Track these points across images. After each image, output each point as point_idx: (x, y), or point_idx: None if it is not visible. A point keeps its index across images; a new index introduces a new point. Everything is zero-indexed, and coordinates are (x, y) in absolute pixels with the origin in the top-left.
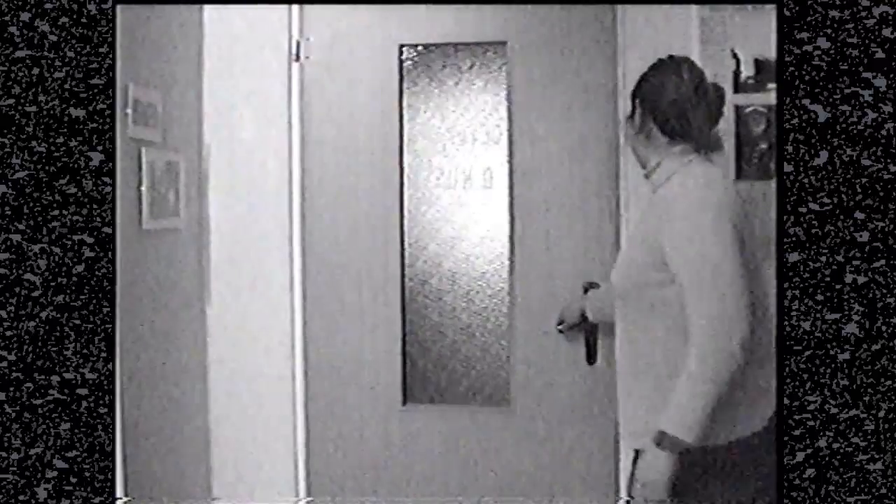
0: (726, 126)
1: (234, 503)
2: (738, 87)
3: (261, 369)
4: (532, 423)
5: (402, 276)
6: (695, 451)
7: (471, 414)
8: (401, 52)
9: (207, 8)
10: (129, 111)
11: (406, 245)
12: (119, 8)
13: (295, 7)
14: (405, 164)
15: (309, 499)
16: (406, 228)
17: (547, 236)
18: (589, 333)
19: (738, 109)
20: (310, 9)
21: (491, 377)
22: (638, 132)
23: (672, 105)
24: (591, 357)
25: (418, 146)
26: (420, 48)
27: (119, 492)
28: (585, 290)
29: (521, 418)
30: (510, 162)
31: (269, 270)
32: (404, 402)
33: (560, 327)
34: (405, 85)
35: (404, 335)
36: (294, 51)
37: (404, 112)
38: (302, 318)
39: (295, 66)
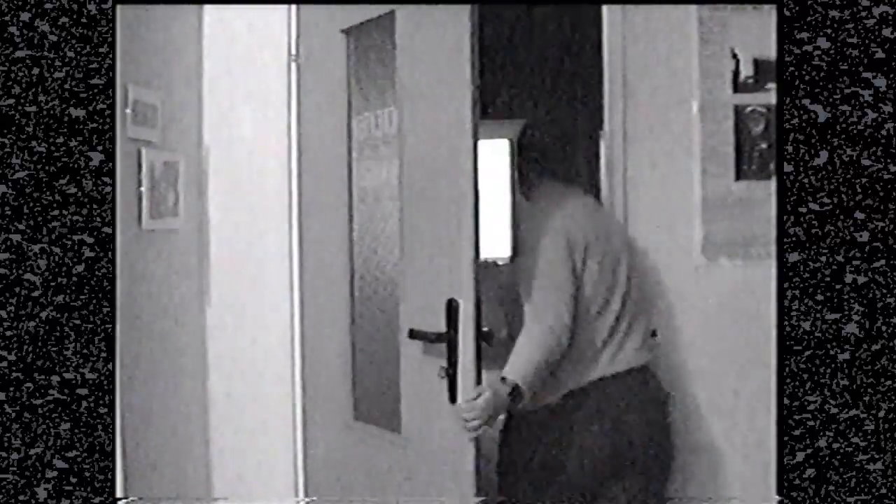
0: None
1: (234, 503)
2: (738, 86)
3: (260, 369)
4: (420, 450)
5: (352, 280)
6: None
7: (368, 436)
8: (347, 39)
9: (207, 9)
10: (129, 111)
11: (354, 245)
12: (119, 8)
13: (293, 7)
14: (352, 162)
15: (308, 499)
16: (355, 227)
17: (432, 234)
18: (449, 370)
19: (737, 109)
20: (305, 9)
21: (384, 398)
22: (524, 174)
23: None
24: (453, 396)
25: (359, 139)
26: (361, 28)
27: (119, 492)
28: (447, 309)
29: (411, 444)
30: (401, 151)
31: (269, 270)
32: (355, 417)
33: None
34: (360, 74)
35: (353, 343)
36: (293, 51)
37: (353, 104)
38: (300, 318)
39: (294, 66)
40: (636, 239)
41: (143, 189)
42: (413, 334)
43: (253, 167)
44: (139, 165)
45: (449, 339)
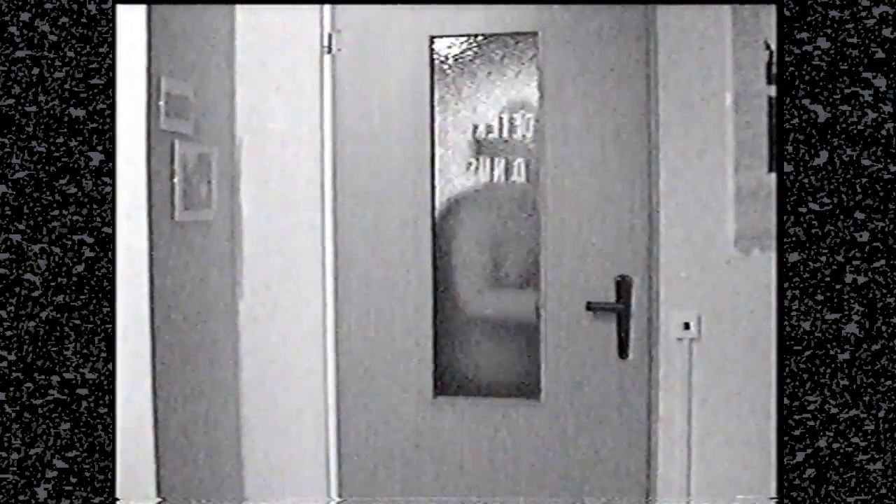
0: (759, 117)
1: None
2: (771, 78)
3: (292, 362)
4: (562, 417)
5: (434, 268)
6: None
7: (501, 407)
8: (431, 44)
9: None
10: (162, 104)
11: (437, 237)
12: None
13: None
14: (436, 157)
15: (340, 499)
16: (437, 221)
17: (579, 229)
18: (622, 326)
19: (770, 101)
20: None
21: (521, 370)
22: None
23: None
24: (623, 351)
25: (449, 138)
26: (451, 40)
27: (152, 494)
28: (618, 285)
29: (551, 412)
30: (541, 154)
31: (301, 262)
32: (435, 395)
33: None
34: (436, 77)
35: (435, 328)
36: (326, 43)
37: (435, 104)
38: (333, 310)
39: (327, 58)
40: (669, 231)
41: (175, 181)
42: (590, 306)
43: (286, 159)
44: (172, 157)
45: (619, 310)
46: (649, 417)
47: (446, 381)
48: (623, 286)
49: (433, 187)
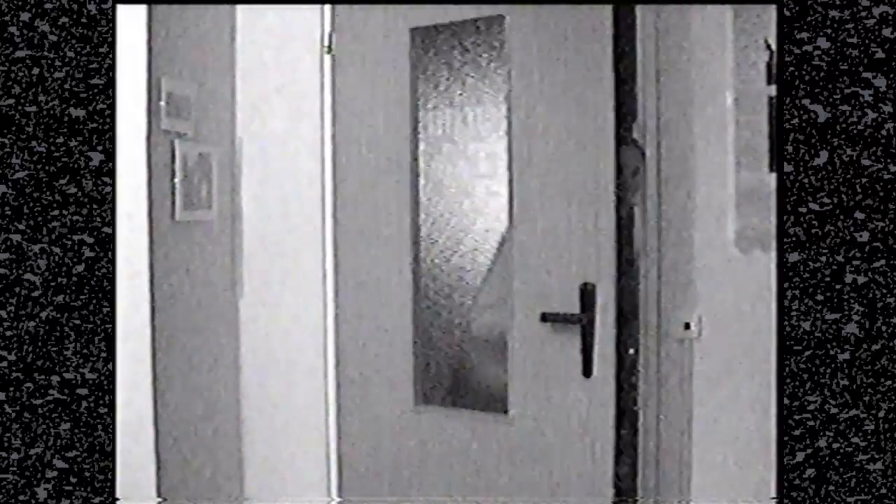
0: (759, 117)
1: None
2: (772, 78)
3: (293, 362)
4: (529, 431)
5: (415, 272)
6: None
7: (471, 419)
8: (413, 38)
9: None
10: (163, 103)
11: (421, 237)
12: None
13: None
14: (419, 154)
15: (340, 499)
16: (422, 220)
17: (545, 231)
18: (586, 340)
19: (771, 101)
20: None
21: (490, 382)
22: None
23: None
24: (587, 369)
25: (430, 134)
26: (430, 31)
27: (152, 494)
28: (581, 293)
29: (519, 425)
30: (509, 149)
31: (302, 262)
32: (416, 404)
33: None
34: (418, 71)
35: (416, 334)
36: (326, 43)
37: (419, 99)
38: (334, 310)
39: (327, 58)
40: (669, 231)
41: (176, 181)
42: (546, 317)
43: (286, 159)
44: (173, 158)
45: (583, 320)
46: (618, 430)
47: (427, 390)
48: (587, 295)
49: (416, 187)
